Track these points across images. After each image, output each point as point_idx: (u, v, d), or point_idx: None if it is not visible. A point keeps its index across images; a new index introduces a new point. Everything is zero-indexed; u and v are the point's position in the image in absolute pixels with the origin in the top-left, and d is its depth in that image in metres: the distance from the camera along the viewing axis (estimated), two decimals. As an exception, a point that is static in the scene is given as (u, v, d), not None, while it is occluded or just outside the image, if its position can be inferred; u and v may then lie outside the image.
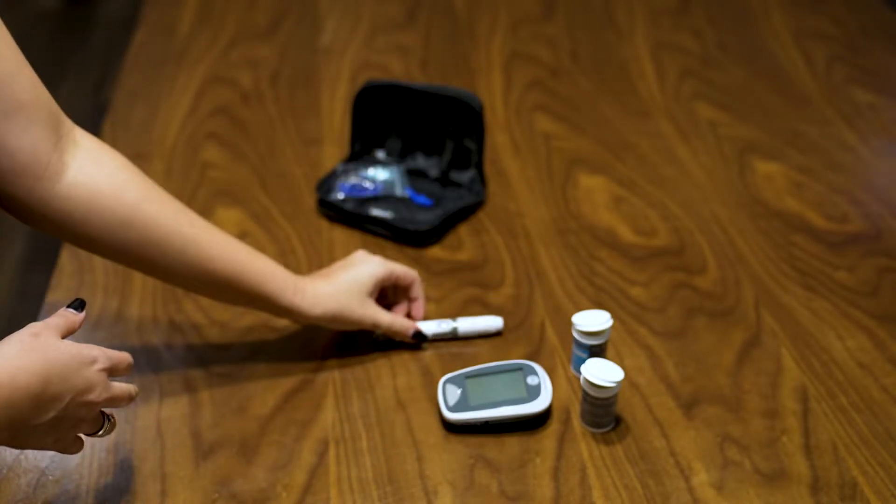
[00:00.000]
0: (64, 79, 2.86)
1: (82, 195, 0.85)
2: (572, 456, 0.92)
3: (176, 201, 0.92)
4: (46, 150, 0.83)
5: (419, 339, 1.03)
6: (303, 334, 1.06)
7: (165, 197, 0.91)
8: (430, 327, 1.05)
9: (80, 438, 0.79)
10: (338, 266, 1.02)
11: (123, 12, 2.97)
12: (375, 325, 1.01)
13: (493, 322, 1.06)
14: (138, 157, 1.32)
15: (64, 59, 2.96)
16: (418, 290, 1.06)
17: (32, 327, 0.74)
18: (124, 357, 0.79)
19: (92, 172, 0.86)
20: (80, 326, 0.79)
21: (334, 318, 0.99)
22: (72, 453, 0.80)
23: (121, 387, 0.78)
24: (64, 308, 0.79)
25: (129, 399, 0.80)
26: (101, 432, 0.79)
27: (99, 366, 0.76)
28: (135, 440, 0.93)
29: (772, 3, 1.78)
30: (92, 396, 0.75)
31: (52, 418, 0.72)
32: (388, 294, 1.06)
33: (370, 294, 1.01)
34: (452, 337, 1.05)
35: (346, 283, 0.99)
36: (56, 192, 0.84)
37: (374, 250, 1.16)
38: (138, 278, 1.12)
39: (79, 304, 0.80)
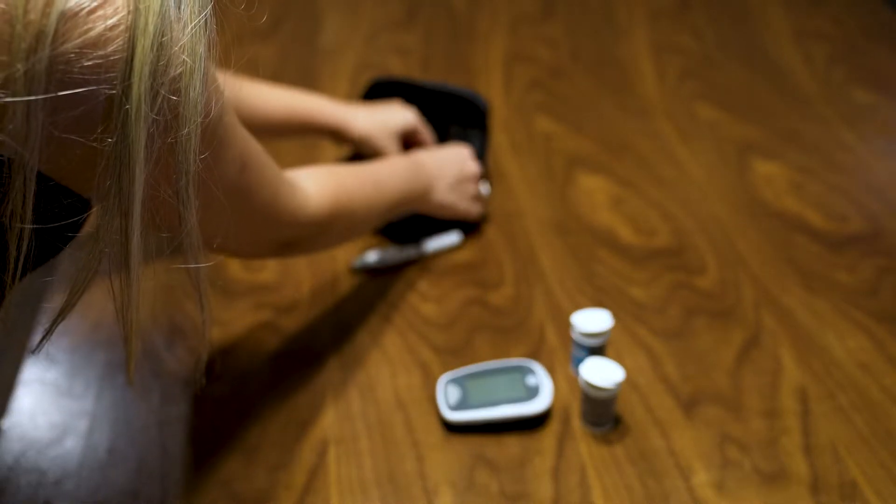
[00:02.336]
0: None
1: None
2: (572, 456, 0.92)
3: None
4: None
5: None
6: (303, 334, 1.06)
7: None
8: (394, 253, 1.15)
9: (476, 203, 1.18)
10: (378, 107, 1.23)
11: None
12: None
13: (452, 237, 1.18)
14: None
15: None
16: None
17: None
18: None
19: None
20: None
21: (365, 141, 1.19)
22: (475, 214, 1.18)
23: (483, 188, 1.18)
24: None
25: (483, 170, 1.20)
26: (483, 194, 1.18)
27: (472, 191, 1.16)
28: (135, 440, 0.93)
29: (772, 3, 1.78)
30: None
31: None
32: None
33: (397, 135, 1.21)
34: (418, 257, 1.16)
35: (382, 118, 1.21)
36: None
37: (373, 248, 1.16)
38: (138, 278, 1.12)
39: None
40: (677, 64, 1.59)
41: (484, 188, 1.19)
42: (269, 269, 1.15)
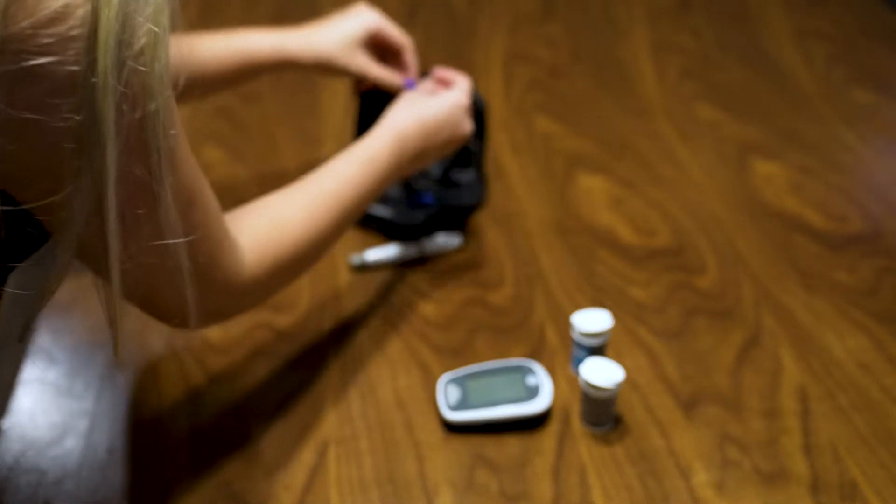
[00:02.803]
0: (64, 79, 2.86)
1: None
2: (572, 456, 0.92)
3: None
4: None
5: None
6: (303, 335, 1.06)
7: None
8: (394, 250, 1.14)
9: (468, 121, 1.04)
10: (335, 16, 1.11)
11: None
12: (363, 74, 1.08)
13: (453, 239, 1.16)
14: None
15: (64, 59, 2.95)
16: (410, 59, 1.10)
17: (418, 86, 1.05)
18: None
19: None
20: (445, 78, 1.08)
21: (325, 63, 1.08)
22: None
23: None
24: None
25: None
26: None
27: (463, 110, 1.02)
28: (135, 440, 0.93)
29: (771, 3, 1.78)
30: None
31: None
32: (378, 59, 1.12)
33: (360, 45, 1.08)
34: (419, 257, 1.14)
35: (336, 31, 1.08)
36: None
37: (373, 247, 1.16)
38: (138, 278, 1.12)
39: (424, 74, 1.05)
40: (677, 64, 1.59)
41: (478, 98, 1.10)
42: (269, 269, 1.15)
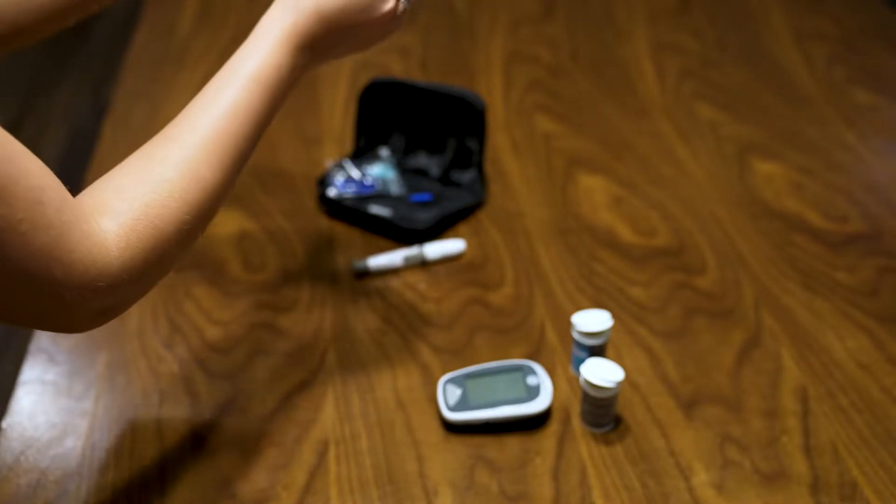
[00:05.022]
0: (64, 79, 2.86)
1: None
2: (572, 456, 0.92)
3: None
4: None
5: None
6: (303, 335, 1.06)
7: None
8: (397, 258, 1.13)
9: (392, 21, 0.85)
10: None
11: (123, 12, 2.97)
12: None
13: (456, 245, 1.15)
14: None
15: (64, 59, 2.96)
16: None
17: None
18: None
19: None
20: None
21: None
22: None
23: None
24: None
25: None
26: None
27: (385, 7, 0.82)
28: (135, 440, 0.93)
29: (772, 3, 1.78)
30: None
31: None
32: None
33: None
34: (419, 263, 1.13)
35: None
36: None
37: (373, 248, 1.16)
38: (138, 278, 1.12)
39: None
40: (677, 64, 1.59)
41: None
42: (268, 269, 1.15)
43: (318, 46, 0.81)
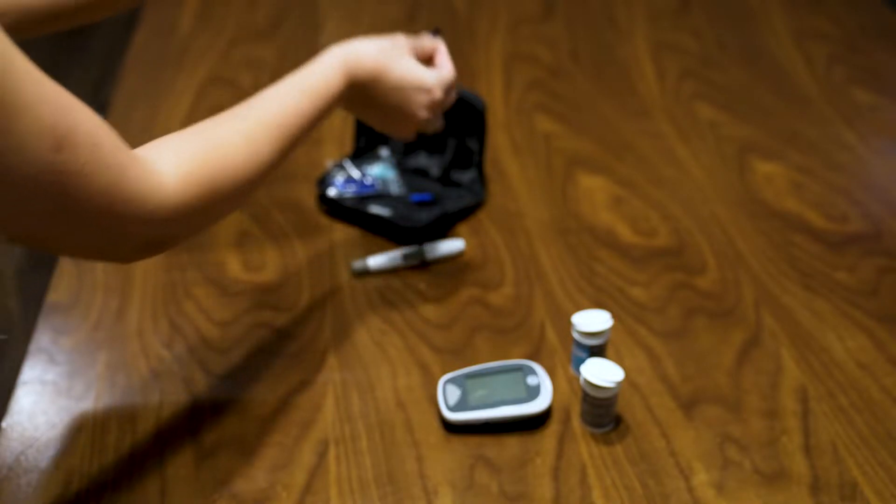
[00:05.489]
0: (64, 79, 2.86)
1: None
2: (572, 456, 0.92)
3: None
4: None
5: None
6: (303, 334, 1.06)
7: None
8: (396, 257, 1.13)
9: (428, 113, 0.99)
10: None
11: (123, 12, 2.97)
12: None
13: (456, 244, 1.15)
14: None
15: (64, 59, 2.96)
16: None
17: (396, 37, 0.97)
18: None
19: None
20: (432, 53, 1.01)
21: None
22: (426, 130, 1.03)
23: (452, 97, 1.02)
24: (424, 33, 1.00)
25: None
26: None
27: (430, 98, 0.98)
28: (135, 440, 0.93)
29: (772, 3, 1.78)
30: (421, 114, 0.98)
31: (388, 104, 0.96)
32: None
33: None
34: (419, 263, 1.14)
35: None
36: None
37: (373, 248, 1.16)
38: (138, 278, 1.12)
39: (435, 31, 0.96)
40: (677, 64, 1.59)
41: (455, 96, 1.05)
42: (269, 269, 1.15)
43: (360, 90, 0.95)
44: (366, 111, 1.00)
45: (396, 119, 1.00)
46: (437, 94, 0.99)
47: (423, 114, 0.99)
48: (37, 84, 0.60)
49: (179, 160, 0.73)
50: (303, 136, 0.87)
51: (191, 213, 0.73)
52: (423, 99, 0.98)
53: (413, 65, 0.98)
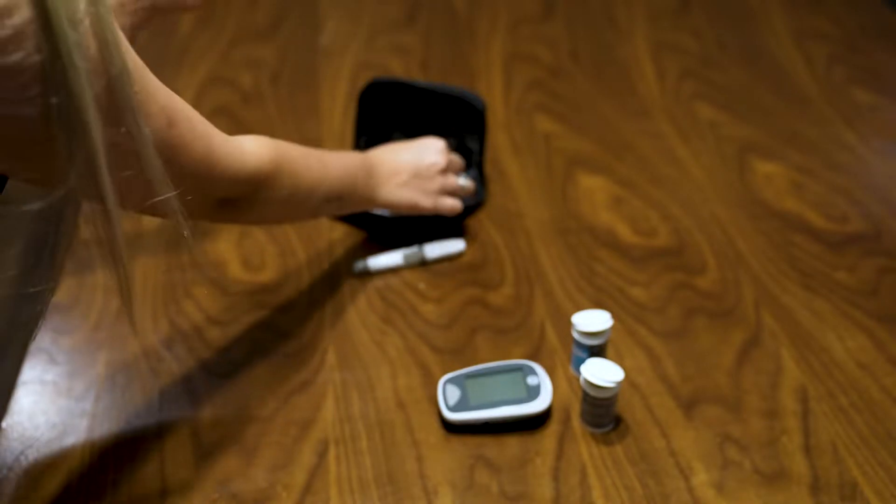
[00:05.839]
0: (64, 79, 2.85)
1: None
2: (572, 456, 0.92)
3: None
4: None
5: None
6: (303, 334, 1.06)
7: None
8: (397, 258, 1.14)
9: (436, 198, 1.12)
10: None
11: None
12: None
13: (456, 244, 1.16)
14: (138, 157, 1.32)
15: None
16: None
17: None
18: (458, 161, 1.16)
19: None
20: None
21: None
22: (448, 209, 1.13)
23: (456, 181, 1.15)
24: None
25: (461, 164, 1.18)
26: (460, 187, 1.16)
27: (433, 186, 1.11)
28: (135, 440, 0.93)
29: (772, 3, 1.78)
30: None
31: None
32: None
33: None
34: (419, 263, 1.14)
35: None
36: None
37: (373, 248, 1.16)
38: (138, 278, 1.12)
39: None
40: (677, 64, 1.59)
41: (463, 180, 1.17)
42: (269, 269, 1.15)
43: (375, 158, 1.08)
44: (397, 176, 1.10)
45: (418, 165, 1.11)
46: (437, 140, 1.15)
47: (431, 155, 1.12)
48: (150, 76, 0.71)
49: (258, 145, 0.87)
50: (340, 190, 1.00)
51: (261, 179, 0.86)
52: (427, 144, 1.13)
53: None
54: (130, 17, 1.03)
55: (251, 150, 0.85)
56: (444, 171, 1.13)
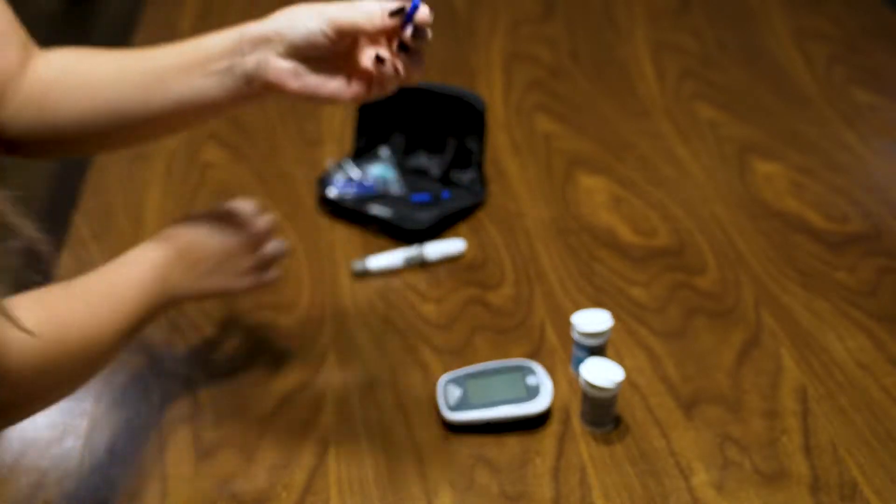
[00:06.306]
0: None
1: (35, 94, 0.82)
2: (572, 456, 0.92)
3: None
4: (12, 68, 0.81)
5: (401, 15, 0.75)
6: (303, 334, 1.06)
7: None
8: (397, 258, 1.13)
9: (267, 274, 0.97)
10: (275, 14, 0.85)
11: (123, 12, 2.96)
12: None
13: (456, 244, 1.16)
14: (138, 157, 1.32)
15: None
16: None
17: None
18: (267, 233, 0.95)
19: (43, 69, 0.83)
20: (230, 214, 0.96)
21: (265, 85, 0.81)
22: (266, 284, 0.97)
23: (272, 248, 0.97)
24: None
25: (276, 227, 0.98)
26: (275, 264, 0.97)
27: (246, 264, 0.94)
28: (135, 440, 0.93)
29: (772, 3, 1.78)
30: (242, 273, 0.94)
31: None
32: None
33: (309, 48, 0.79)
34: (420, 263, 1.14)
35: (273, 30, 0.84)
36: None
37: (373, 248, 1.16)
38: (138, 278, 1.12)
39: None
40: (677, 64, 1.59)
41: (276, 246, 0.98)
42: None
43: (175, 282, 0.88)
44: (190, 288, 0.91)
45: (217, 284, 0.93)
46: (250, 222, 0.95)
47: (243, 283, 0.95)
48: None
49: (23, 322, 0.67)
50: (132, 326, 0.83)
51: (31, 378, 0.71)
52: (234, 268, 0.94)
53: (222, 232, 0.93)
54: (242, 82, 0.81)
55: (17, 336, 0.67)
56: (258, 241, 0.95)
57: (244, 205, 0.96)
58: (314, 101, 0.79)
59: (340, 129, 1.40)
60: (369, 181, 1.24)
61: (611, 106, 1.47)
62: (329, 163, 1.30)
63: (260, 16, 0.85)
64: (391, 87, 0.78)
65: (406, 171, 1.27)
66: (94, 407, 0.97)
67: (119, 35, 2.71)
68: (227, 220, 0.94)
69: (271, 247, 0.97)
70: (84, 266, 1.14)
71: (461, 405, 0.94)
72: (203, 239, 0.91)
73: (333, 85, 0.78)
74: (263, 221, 0.96)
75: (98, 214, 1.23)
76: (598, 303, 1.09)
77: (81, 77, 0.84)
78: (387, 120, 1.28)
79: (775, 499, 0.87)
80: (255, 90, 0.81)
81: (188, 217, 0.93)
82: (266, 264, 0.97)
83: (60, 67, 0.84)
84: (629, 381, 0.99)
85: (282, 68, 0.78)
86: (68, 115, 0.83)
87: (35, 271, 0.69)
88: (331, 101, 0.79)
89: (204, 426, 0.95)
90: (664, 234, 1.21)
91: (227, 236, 0.92)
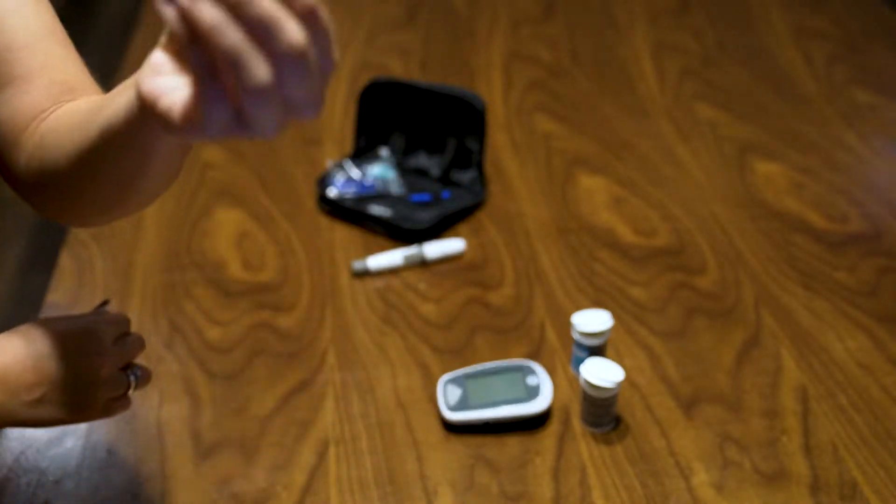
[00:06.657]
0: (64, 79, 2.85)
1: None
2: (572, 456, 0.92)
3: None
4: (26, 119, 0.71)
5: None
6: (303, 334, 1.06)
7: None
8: (397, 257, 1.13)
9: (119, 401, 0.75)
10: None
11: (123, 12, 2.97)
12: None
13: (456, 244, 1.15)
14: (138, 157, 1.32)
15: (64, 59, 2.95)
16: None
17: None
18: (121, 318, 0.76)
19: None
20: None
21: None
22: (114, 414, 0.75)
23: (132, 341, 0.76)
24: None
25: (140, 348, 0.77)
26: (131, 391, 0.75)
27: (101, 367, 0.72)
28: (135, 440, 0.93)
29: (772, 3, 1.78)
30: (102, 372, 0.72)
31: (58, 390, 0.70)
32: None
33: None
34: (419, 263, 1.13)
35: None
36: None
37: (373, 248, 1.16)
38: (138, 279, 1.12)
39: (103, 303, 0.79)
40: (677, 64, 1.59)
41: (137, 372, 0.78)
42: (268, 269, 1.15)
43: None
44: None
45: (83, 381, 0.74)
46: (108, 342, 0.75)
47: (97, 358, 0.74)
48: None
49: None
50: None
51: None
52: (94, 342, 0.74)
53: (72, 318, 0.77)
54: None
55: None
56: (120, 365, 0.75)
57: (109, 325, 0.76)
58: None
59: (340, 129, 1.40)
60: (369, 181, 1.24)
61: (611, 106, 1.47)
62: (329, 163, 1.30)
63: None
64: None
65: (406, 171, 1.27)
66: (94, 407, 0.97)
67: (119, 35, 2.71)
68: (85, 337, 0.74)
69: (130, 373, 0.77)
70: (84, 266, 1.14)
71: (461, 405, 0.94)
72: (37, 363, 0.71)
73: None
74: (129, 339, 0.77)
75: (98, 214, 1.23)
76: (598, 303, 1.09)
77: (59, 120, 0.72)
78: (387, 120, 1.28)
79: (775, 498, 0.87)
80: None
81: (45, 325, 0.73)
82: (124, 394, 0.77)
83: (60, 112, 0.73)
84: (629, 381, 0.99)
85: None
86: (56, 162, 0.70)
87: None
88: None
89: (204, 426, 0.95)
90: (664, 234, 1.21)
91: (69, 361, 0.72)
